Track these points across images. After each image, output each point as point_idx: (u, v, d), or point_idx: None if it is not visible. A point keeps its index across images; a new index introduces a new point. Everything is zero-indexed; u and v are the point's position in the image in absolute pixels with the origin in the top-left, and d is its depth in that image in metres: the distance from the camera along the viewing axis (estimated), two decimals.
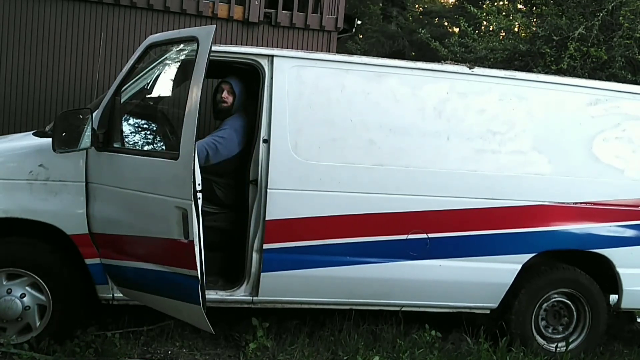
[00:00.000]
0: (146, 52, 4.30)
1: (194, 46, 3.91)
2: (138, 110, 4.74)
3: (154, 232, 4.02)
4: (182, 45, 4.42)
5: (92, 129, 4.03)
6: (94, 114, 4.09)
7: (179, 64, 4.79)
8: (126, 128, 4.53)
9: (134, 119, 4.73)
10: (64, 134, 3.92)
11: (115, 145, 4.19)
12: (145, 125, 4.89)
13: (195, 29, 4.45)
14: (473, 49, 10.21)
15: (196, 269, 3.78)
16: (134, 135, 4.66)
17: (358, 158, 4.50)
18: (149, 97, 4.89)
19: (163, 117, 5.04)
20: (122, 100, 4.30)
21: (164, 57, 4.60)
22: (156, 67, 4.67)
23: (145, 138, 4.85)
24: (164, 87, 5.04)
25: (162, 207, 3.88)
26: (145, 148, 4.67)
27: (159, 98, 5.10)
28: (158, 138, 4.84)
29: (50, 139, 4.20)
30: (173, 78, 5.00)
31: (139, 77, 4.46)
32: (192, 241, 3.74)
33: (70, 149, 3.98)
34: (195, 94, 3.75)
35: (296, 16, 7.57)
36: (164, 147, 4.76)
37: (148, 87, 4.76)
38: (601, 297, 5.06)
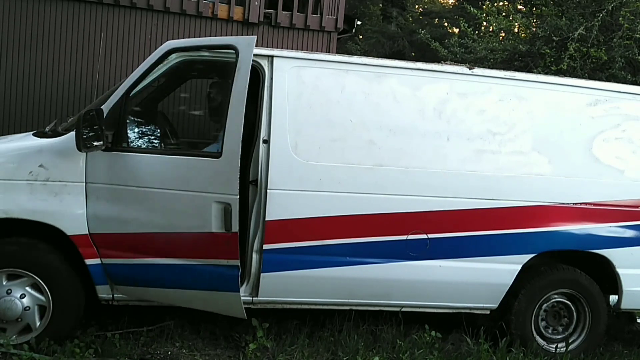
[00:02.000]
0: (166, 57, 4.35)
1: (229, 54, 4.15)
2: (153, 112, 4.94)
3: (183, 227, 4.13)
4: (214, 52, 4.52)
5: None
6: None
7: (209, 70, 5.08)
8: (144, 129, 4.66)
9: (151, 120, 4.84)
10: (86, 133, 3.92)
11: (131, 145, 4.28)
12: (163, 127, 4.97)
13: (233, 38, 4.53)
14: (473, 50, 10.19)
15: (237, 258, 4.05)
16: (153, 136, 4.70)
17: (358, 158, 4.50)
18: (165, 100, 5.01)
19: (181, 118, 5.13)
20: (139, 102, 4.47)
21: (190, 61, 4.65)
22: (177, 72, 4.87)
23: (166, 138, 4.89)
24: (187, 92, 5.16)
25: (197, 203, 4.03)
26: (169, 148, 4.68)
27: (180, 101, 5.22)
28: (177, 139, 4.90)
29: (49, 140, 4.23)
30: (206, 86, 5.34)
31: (158, 81, 4.63)
32: (235, 233, 3.98)
33: (93, 148, 3.99)
34: (238, 100, 3.98)
35: (296, 17, 7.57)
36: (184, 147, 4.75)
37: (167, 92, 5.15)
38: (601, 297, 5.06)
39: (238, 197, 3.99)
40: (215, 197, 4.02)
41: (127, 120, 4.31)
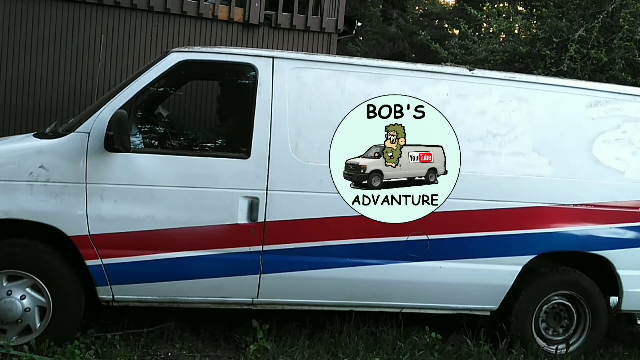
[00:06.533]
0: (177, 68, 4.44)
1: (246, 69, 4.48)
2: (165, 114, 5.04)
3: (207, 221, 4.31)
4: (228, 65, 4.62)
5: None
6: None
7: (215, 74, 5.32)
8: (157, 130, 4.79)
9: (164, 122, 4.95)
10: (121, 135, 4.02)
11: (147, 146, 4.44)
12: (176, 128, 5.00)
13: (250, 57, 4.54)
14: (473, 51, 10.19)
15: (260, 245, 4.35)
16: (169, 137, 4.74)
17: None
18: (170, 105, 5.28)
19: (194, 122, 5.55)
20: (147, 105, 4.68)
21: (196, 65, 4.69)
22: (182, 78, 5.08)
23: (182, 139, 4.91)
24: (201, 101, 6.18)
25: (224, 198, 4.32)
26: (193, 149, 4.67)
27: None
28: (198, 141, 4.93)
29: (50, 141, 4.24)
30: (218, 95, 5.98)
31: (164, 87, 4.79)
32: (262, 222, 4.34)
33: (127, 149, 4.12)
34: (264, 110, 4.39)
35: (296, 18, 7.57)
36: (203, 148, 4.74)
37: (171, 94, 5.34)
38: (601, 299, 5.05)
39: (266, 191, 4.36)
40: (243, 193, 4.33)
41: (140, 123, 4.46)
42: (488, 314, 4.97)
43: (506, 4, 14.17)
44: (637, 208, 4.96)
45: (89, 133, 4.19)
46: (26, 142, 4.41)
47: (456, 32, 18.65)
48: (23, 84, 6.91)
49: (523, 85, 4.88)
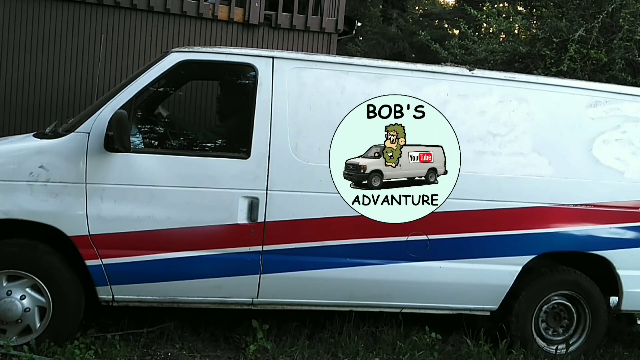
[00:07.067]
0: (177, 68, 4.44)
1: (246, 69, 4.48)
2: (165, 114, 5.04)
3: (207, 221, 4.31)
4: (228, 65, 4.61)
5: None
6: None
7: (215, 74, 5.31)
8: (157, 131, 4.79)
9: (163, 122, 4.95)
10: (121, 135, 4.02)
11: (148, 146, 4.45)
12: (176, 128, 4.99)
13: (250, 57, 4.55)
14: (473, 51, 10.19)
15: (260, 245, 4.35)
16: (169, 137, 4.74)
17: None
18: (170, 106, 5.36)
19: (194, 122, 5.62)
20: (147, 105, 4.69)
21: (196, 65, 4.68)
22: (183, 78, 5.09)
23: (182, 139, 4.90)
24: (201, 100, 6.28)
25: (224, 198, 4.32)
26: (194, 149, 4.65)
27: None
28: (198, 141, 4.92)
29: (50, 141, 4.24)
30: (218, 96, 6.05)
31: (164, 87, 4.79)
32: (262, 222, 4.35)
33: (127, 149, 4.12)
34: (264, 110, 4.40)
35: (296, 18, 7.57)
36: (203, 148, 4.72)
37: (171, 94, 5.33)
38: (601, 299, 5.05)
39: (266, 191, 4.37)
40: (243, 193, 4.33)
41: (140, 123, 4.47)
42: (488, 314, 4.97)
43: (506, 4, 14.16)
44: (637, 208, 4.97)
45: (89, 133, 4.20)
46: (26, 142, 4.41)
47: (456, 32, 18.66)
48: (23, 84, 6.91)
49: (523, 85, 4.88)
